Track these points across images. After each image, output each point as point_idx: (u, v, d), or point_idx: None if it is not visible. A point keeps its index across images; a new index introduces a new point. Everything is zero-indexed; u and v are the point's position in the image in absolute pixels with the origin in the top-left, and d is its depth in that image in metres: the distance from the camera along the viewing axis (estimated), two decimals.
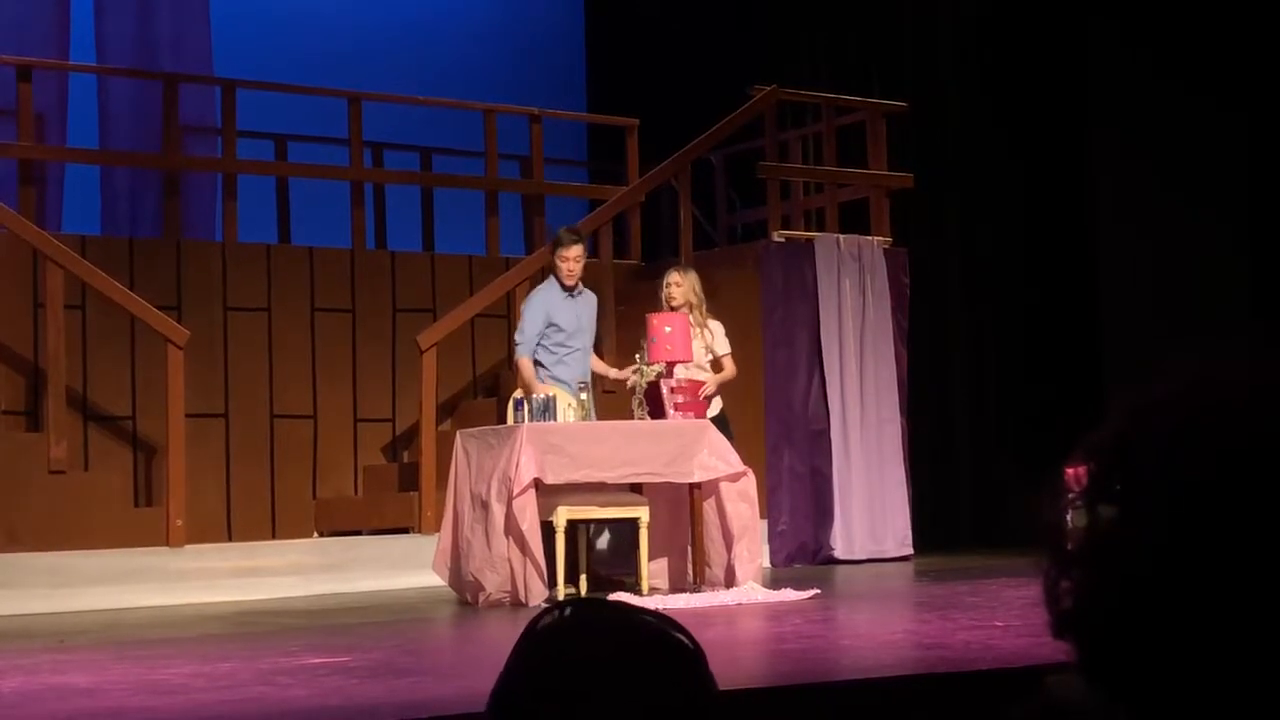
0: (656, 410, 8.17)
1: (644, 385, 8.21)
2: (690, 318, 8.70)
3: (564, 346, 8.72)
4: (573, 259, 8.71)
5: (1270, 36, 10.75)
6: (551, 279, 8.86)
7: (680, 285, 8.86)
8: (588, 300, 8.90)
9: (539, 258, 10.16)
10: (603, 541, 8.96)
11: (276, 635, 6.76)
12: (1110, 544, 0.98)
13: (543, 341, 8.70)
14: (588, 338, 8.89)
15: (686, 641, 1.27)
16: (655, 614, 1.29)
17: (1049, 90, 11.47)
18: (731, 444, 8.21)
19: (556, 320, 8.69)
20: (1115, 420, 1.02)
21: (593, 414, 8.34)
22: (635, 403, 8.27)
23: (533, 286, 9.96)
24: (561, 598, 7.74)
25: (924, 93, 11.65)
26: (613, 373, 9.04)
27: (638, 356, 8.33)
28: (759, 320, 10.24)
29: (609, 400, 9.41)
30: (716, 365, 9.02)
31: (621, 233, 11.19)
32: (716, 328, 9.02)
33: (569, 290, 8.74)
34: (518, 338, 8.76)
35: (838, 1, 12.20)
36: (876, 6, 12.02)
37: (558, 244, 8.78)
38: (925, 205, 11.45)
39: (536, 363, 8.68)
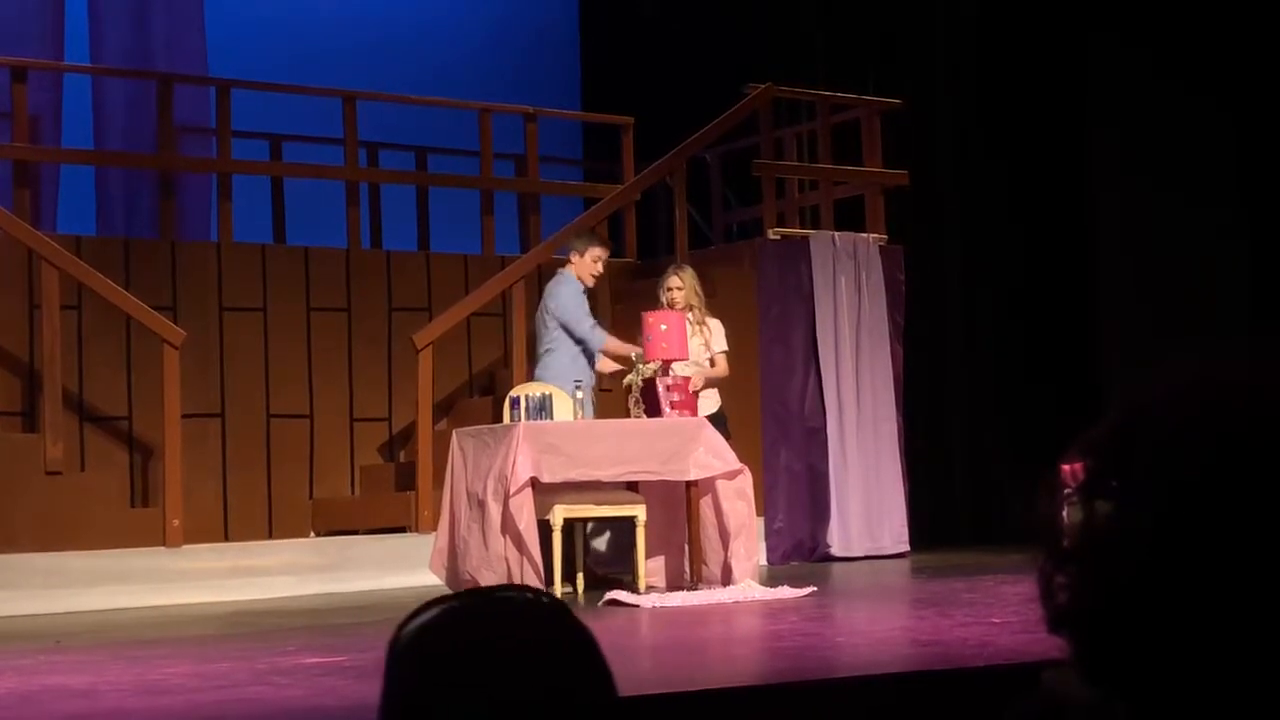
0: (653, 409, 8.17)
1: (640, 384, 8.21)
2: (689, 316, 8.72)
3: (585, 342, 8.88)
4: (604, 263, 8.97)
5: (1268, 36, 10.76)
6: (571, 277, 8.95)
7: (681, 289, 8.87)
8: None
9: (535, 256, 10.16)
10: (600, 540, 8.96)
11: (273, 635, 6.76)
12: (1106, 540, 0.99)
13: (579, 344, 8.85)
14: None
15: (578, 627, 1.24)
16: (535, 599, 1.27)
17: (1047, 87, 11.46)
18: (728, 442, 8.21)
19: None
20: (1113, 417, 1.02)
21: (590, 412, 8.35)
22: (631, 401, 8.27)
23: (528, 286, 9.98)
24: (559, 596, 7.74)
25: (920, 90, 11.65)
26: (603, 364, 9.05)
27: (634, 355, 8.33)
28: (755, 318, 10.24)
29: (605, 399, 9.41)
30: (714, 363, 9.02)
31: (617, 231, 11.19)
32: (716, 325, 9.02)
33: (588, 290, 8.96)
34: (588, 327, 8.82)
35: None
36: (872, 3, 12.02)
37: (591, 244, 8.98)
38: (921, 202, 11.45)
39: (609, 351, 8.80)
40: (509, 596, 1.26)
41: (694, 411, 8.27)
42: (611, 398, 9.38)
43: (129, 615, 8.00)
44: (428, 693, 1.19)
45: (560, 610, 1.25)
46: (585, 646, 1.23)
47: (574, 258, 8.95)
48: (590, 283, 8.92)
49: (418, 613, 1.24)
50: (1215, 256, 10.94)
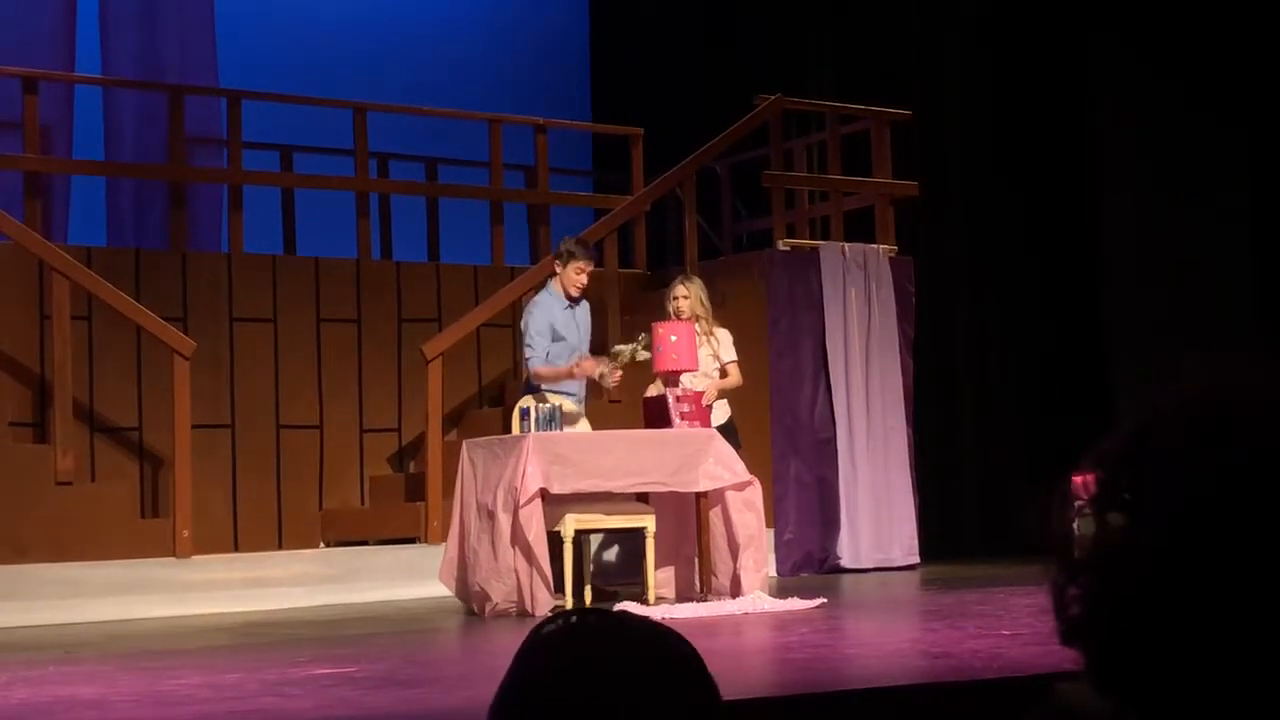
0: (662, 420, 8.17)
1: (627, 359, 8.29)
2: (697, 326, 8.71)
3: (571, 358, 8.69)
4: (588, 273, 8.69)
5: (1273, 42, 10.75)
6: (550, 290, 8.78)
7: (688, 298, 8.85)
8: (585, 309, 8.88)
9: (544, 267, 10.15)
10: (609, 552, 8.96)
11: (283, 646, 6.76)
12: (1119, 552, 0.98)
13: (548, 354, 8.68)
14: (586, 347, 8.87)
15: (688, 649, 1.27)
16: (653, 622, 1.30)
17: (1054, 98, 11.47)
18: (739, 452, 8.21)
19: (561, 332, 8.66)
20: (1125, 429, 1.02)
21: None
22: (609, 362, 8.38)
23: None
24: (570, 608, 7.74)
25: (929, 101, 11.65)
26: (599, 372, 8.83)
27: (574, 369, 8.42)
28: (764, 329, 10.23)
29: (615, 410, 9.41)
30: (724, 374, 9.02)
31: (626, 242, 11.19)
32: (724, 335, 9.01)
33: (571, 301, 8.72)
34: (528, 351, 8.60)
35: (842, 10, 12.22)
36: (881, 15, 12.03)
37: (571, 257, 8.67)
38: (930, 213, 11.45)
39: (539, 377, 8.61)
40: (634, 619, 1.31)
41: (705, 422, 8.27)
42: (620, 409, 9.38)
43: (139, 626, 8.00)
44: (549, 685, 1.22)
45: (674, 635, 1.29)
46: (693, 670, 1.26)
47: (556, 268, 8.82)
48: (575, 293, 8.77)
49: (553, 619, 1.27)
50: (1226, 263, 10.93)
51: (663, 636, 1.27)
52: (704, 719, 1.24)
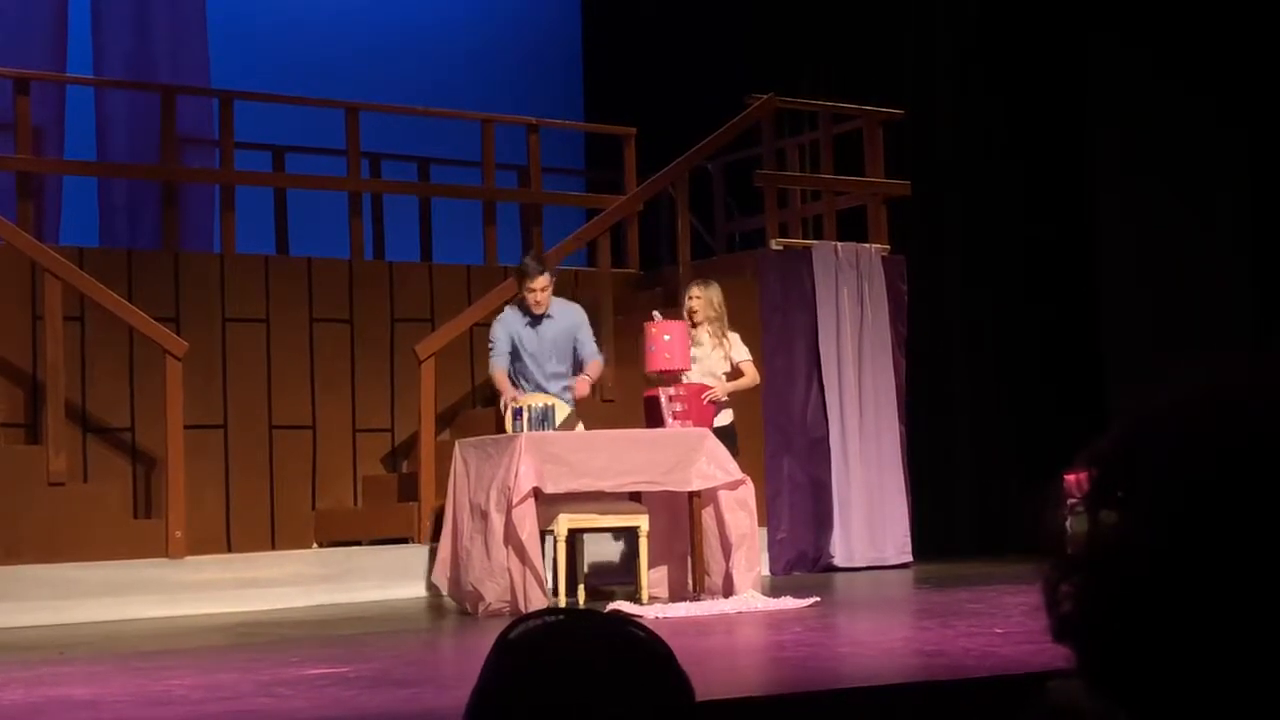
0: (655, 420, 8.18)
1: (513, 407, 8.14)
2: (708, 330, 8.79)
3: (538, 370, 8.67)
4: (539, 289, 8.61)
5: (1272, 44, 10.75)
6: (512, 305, 8.81)
7: (700, 298, 8.91)
8: (556, 324, 8.77)
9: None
10: (603, 551, 8.96)
11: (276, 646, 6.76)
12: (1112, 549, 0.99)
13: (514, 366, 8.68)
14: (562, 364, 8.78)
15: (660, 647, 1.27)
16: (623, 621, 1.30)
17: (1048, 97, 11.47)
18: (735, 457, 8.21)
19: (523, 345, 8.67)
20: (1120, 427, 1.03)
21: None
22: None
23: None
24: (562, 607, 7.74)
25: (922, 100, 11.66)
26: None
27: (500, 404, 8.33)
28: (757, 328, 10.24)
29: (608, 410, 9.41)
30: (737, 374, 9.03)
31: (619, 242, 11.19)
32: (734, 337, 9.06)
33: (533, 318, 8.70)
34: (491, 354, 8.71)
35: (834, 10, 12.22)
36: (874, 14, 12.04)
37: (524, 274, 8.67)
38: (923, 213, 11.45)
39: (493, 380, 8.65)
40: (602, 618, 1.32)
41: (700, 420, 8.28)
42: (615, 409, 9.38)
43: (132, 626, 8.00)
44: (521, 689, 1.22)
45: (652, 639, 1.29)
46: (663, 668, 1.26)
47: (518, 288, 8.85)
48: (536, 310, 8.64)
49: (527, 619, 1.28)
50: (1220, 262, 10.93)
51: (631, 635, 1.27)
52: (674, 717, 1.24)
